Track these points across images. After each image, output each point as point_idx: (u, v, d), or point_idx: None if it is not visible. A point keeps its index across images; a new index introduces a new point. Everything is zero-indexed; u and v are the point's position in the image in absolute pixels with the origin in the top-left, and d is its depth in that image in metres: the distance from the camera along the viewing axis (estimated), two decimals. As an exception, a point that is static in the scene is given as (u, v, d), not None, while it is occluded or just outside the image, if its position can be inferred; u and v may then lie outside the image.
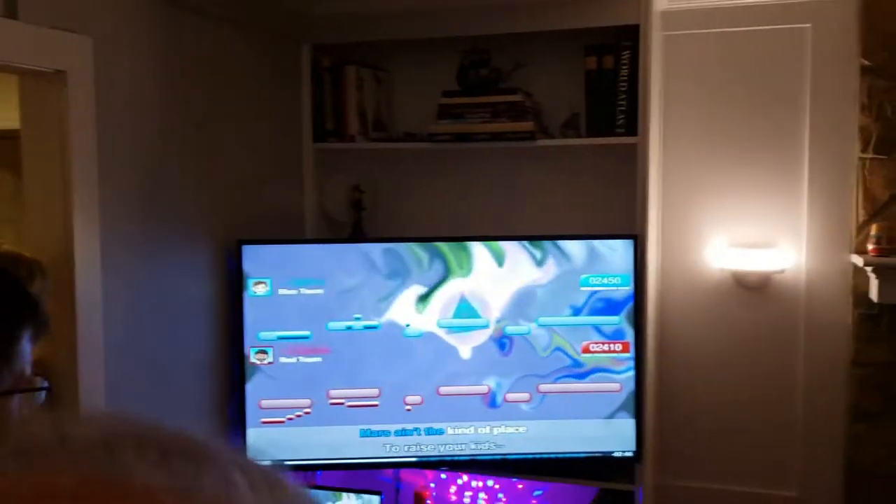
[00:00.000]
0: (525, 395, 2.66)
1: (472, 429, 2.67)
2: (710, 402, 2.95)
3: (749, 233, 2.89)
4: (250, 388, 2.63)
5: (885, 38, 2.73)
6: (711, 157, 2.92)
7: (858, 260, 2.72)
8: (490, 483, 2.96)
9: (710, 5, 2.91)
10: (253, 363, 2.62)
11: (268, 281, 2.62)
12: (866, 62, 2.75)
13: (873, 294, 2.67)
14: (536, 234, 2.70)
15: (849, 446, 2.82)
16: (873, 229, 2.65)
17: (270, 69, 2.91)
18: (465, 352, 2.67)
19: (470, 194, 3.03)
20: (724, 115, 2.91)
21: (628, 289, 2.64)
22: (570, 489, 2.87)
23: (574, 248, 2.64)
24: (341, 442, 2.66)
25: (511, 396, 2.67)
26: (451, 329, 2.66)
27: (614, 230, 2.73)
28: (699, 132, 2.93)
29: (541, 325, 2.65)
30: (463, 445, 2.68)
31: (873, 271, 2.60)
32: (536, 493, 2.92)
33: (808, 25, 2.82)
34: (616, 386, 2.66)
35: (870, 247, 2.65)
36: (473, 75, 2.91)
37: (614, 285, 2.64)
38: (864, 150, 2.76)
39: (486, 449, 2.68)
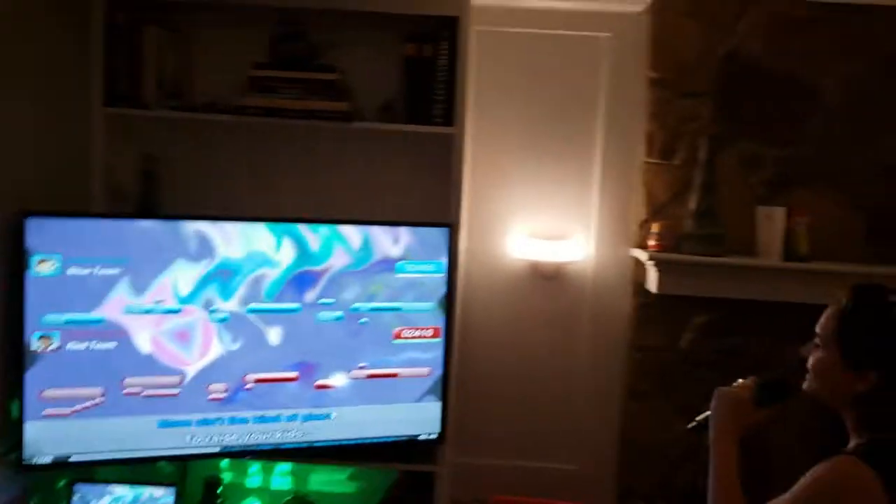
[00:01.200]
0: (336, 381, 2.63)
1: (280, 417, 2.60)
2: (505, 384, 3.12)
3: (546, 225, 3.07)
4: (30, 376, 2.35)
5: (670, 53, 3.00)
6: (517, 153, 3.07)
7: (640, 254, 2.99)
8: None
9: (519, 5, 3.04)
10: (35, 350, 2.34)
11: (55, 258, 2.35)
12: (653, 74, 3.02)
13: (652, 285, 2.95)
14: (351, 219, 2.66)
15: (624, 423, 3.11)
16: (655, 227, 2.93)
17: (56, 22, 2.60)
18: (275, 337, 2.58)
19: (279, 174, 2.93)
20: (529, 112, 3.06)
21: (442, 276, 2.69)
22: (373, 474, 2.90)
23: (389, 234, 2.65)
24: (137, 434, 2.47)
25: (321, 382, 2.62)
26: (260, 313, 2.56)
27: (428, 218, 2.77)
28: (507, 127, 3.07)
29: (353, 311, 2.63)
30: (270, 434, 2.59)
31: (655, 265, 2.88)
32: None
33: (607, 34, 3.04)
34: (425, 371, 2.71)
35: (651, 243, 2.92)
36: (286, 49, 2.80)
37: (429, 272, 2.68)
38: (648, 155, 3.03)
39: (294, 437, 2.61)
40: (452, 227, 2.72)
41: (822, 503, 1.41)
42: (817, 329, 1.58)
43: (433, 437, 2.75)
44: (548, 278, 3.10)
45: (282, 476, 2.95)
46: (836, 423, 1.61)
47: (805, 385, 1.59)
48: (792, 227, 2.88)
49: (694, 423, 1.77)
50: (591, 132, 3.07)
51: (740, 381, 1.69)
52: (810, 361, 1.58)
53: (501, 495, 3.05)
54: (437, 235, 2.69)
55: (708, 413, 1.70)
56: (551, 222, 3.07)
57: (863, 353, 1.47)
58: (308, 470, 2.93)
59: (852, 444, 1.50)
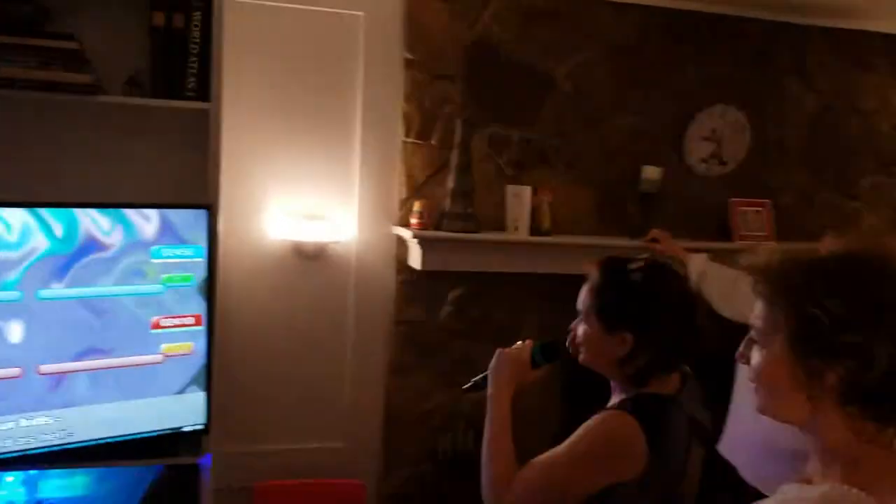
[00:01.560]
0: (87, 376, 2.42)
1: (20, 419, 2.34)
2: (270, 368, 3.06)
3: (307, 205, 3.04)
4: None
5: (423, 36, 3.10)
6: (275, 131, 3.00)
7: (402, 232, 3.07)
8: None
9: (274, -22, 2.96)
10: None
11: None
12: (409, 56, 3.09)
13: (415, 262, 3.05)
14: (101, 202, 2.45)
15: (388, 396, 3.20)
16: (416, 205, 3.02)
17: None
18: (15, 332, 2.31)
19: (13, 151, 2.60)
20: (287, 90, 3.00)
21: (201, 260, 2.57)
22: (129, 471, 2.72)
23: (143, 217, 2.47)
24: None
25: (71, 378, 2.40)
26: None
27: (184, 199, 2.62)
28: (264, 104, 2.98)
29: (106, 298, 2.43)
30: (9, 441, 2.33)
31: (418, 243, 2.97)
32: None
33: (360, 13, 3.06)
34: (187, 360, 2.58)
35: (413, 221, 3.01)
36: (15, 11, 2.50)
37: (187, 257, 2.55)
38: (406, 135, 3.11)
39: (40, 441, 2.37)
40: (211, 209, 2.60)
41: (595, 454, 1.55)
42: (578, 305, 1.73)
43: (198, 427, 2.63)
44: (310, 258, 3.08)
45: (16, 487, 2.67)
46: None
47: (581, 357, 1.73)
48: (536, 204, 3.11)
49: (470, 384, 1.87)
50: (350, 110, 3.08)
51: (519, 343, 1.82)
52: (578, 335, 1.72)
53: (267, 480, 3.01)
54: (195, 217, 2.56)
55: (484, 374, 1.81)
56: (312, 202, 3.05)
57: (617, 319, 1.62)
58: (59, 474, 2.68)
59: (617, 400, 1.66)
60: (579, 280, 3.37)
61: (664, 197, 3.35)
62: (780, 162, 3.59)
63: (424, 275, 3.14)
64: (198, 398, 2.62)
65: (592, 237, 3.27)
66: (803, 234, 3.57)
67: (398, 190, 3.14)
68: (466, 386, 1.91)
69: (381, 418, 3.22)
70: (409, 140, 3.12)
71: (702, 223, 3.45)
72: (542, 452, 1.66)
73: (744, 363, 1.17)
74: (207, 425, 2.65)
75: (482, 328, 3.27)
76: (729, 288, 2.93)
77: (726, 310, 2.96)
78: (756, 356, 1.13)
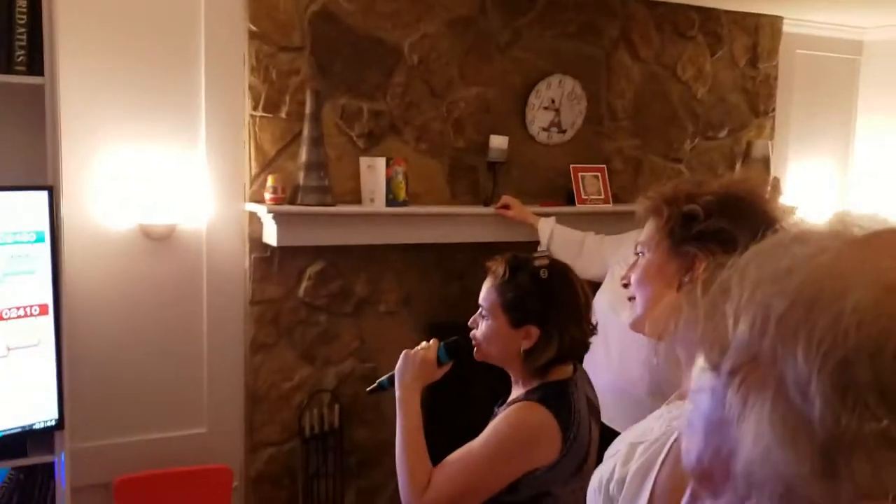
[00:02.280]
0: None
1: None
2: (124, 357, 2.92)
3: (153, 185, 2.90)
4: None
5: (266, 7, 3.02)
6: (115, 108, 2.83)
7: (255, 208, 3.00)
8: None
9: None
10: None
11: None
12: (253, 27, 3.01)
13: (270, 239, 2.99)
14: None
15: (248, 376, 3.14)
16: (270, 180, 2.96)
17: None
18: None
19: None
20: (126, 65, 2.85)
21: (44, 245, 2.40)
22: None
23: (-26, 201, 2.27)
24: None
25: None
26: None
27: (19, 180, 2.44)
28: (102, 79, 2.81)
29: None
30: None
31: (273, 218, 2.92)
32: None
33: (200, -16, 2.94)
34: (34, 352, 2.41)
35: (267, 196, 2.95)
36: None
37: (28, 242, 2.37)
38: (254, 109, 3.04)
39: None
40: (53, 191, 2.43)
41: (511, 445, 1.63)
42: (481, 301, 1.79)
43: (50, 424, 2.47)
44: (159, 241, 2.95)
45: None
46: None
47: (479, 353, 1.80)
48: (391, 175, 3.14)
49: (374, 385, 1.92)
50: (194, 85, 2.96)
51: (423, 343, 1.87)
52: (479, 331, 1.78)
53: (126, 474, 2.88)
54: (35, 200, 2.39)
55: (389, 374, 1.86)
56: (158, 182, 2.91)
57: (524, 313, 1.70)
58: None
59: (522, 392, 1.73)
60: (438, 248, 3.46)
61: (512, 165, 3.49)
62: (612, 129, 3.81)
63: (280, 251, 3.10)
64: (48, 393, 2.46)
65: (447, 206, 3.35)
66: (634, 195, 3.83)
67: (248, 165, 3.06)
68: (371, 387, 1.94)
69: (242, 400, 3.15)
70: (258, 114, 3.04)
71: (547, 189, 3.62)
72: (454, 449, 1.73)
73: (626, 284, 1.33)
74: (61, 421, 2.49)
75: (342, 302, 3.27)
76: (576, 248, 3.11)
77: (574, 269, 3.14)
78: (639, 266, 1.30)
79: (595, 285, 2.67)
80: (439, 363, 1.84)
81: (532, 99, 3.54)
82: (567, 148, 3.68)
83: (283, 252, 3.10)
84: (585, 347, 1.77)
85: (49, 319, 2.45)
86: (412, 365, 1.82)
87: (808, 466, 0.38)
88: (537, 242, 3.25)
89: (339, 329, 3.28)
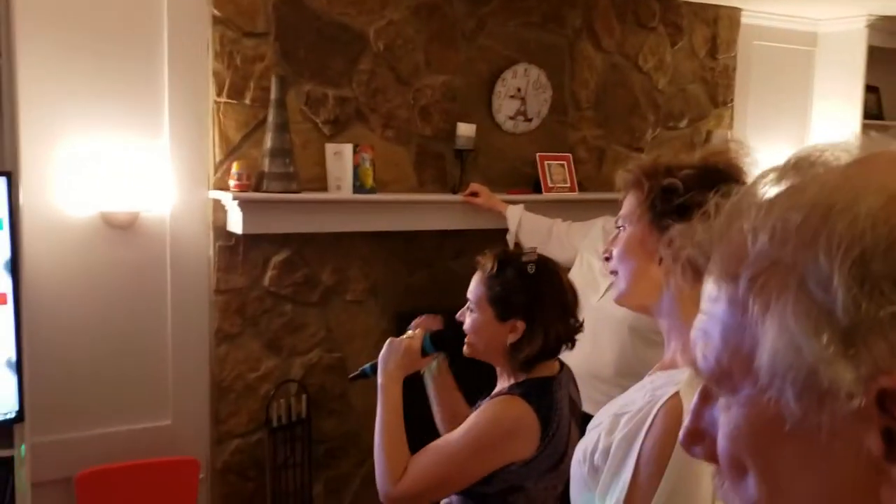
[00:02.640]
0: None
1: None
2: (84, 348, 2.85)
3: (116, 172, 2.83)
4: None
5: (230, -8, 2.97)
6: (77, 93, 2.76)
7: (219, 195, 2.95)
8: None
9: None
10: None
11: None
12: (217, 12, 2.96)
13: (235, 227, 2.95)
14: None
15: (214, 367, 3.08)
16: (235, 167, 2.91)
17: None
18: None
19: None
20: (88, 49, 2.78)
21: (2, 233, 2.33)
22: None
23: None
24: None
25: None
26: None
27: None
28: (62, 63, 2.73)
29: None
30: None
31: (238, 205, 2.87)
32: None
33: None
34: (-6, 343, 2.34)
35: (232, 183, 2.90)
36: None
37: (-15, 229, 2.30)
38: (218, 95, 2.98)
39: None
40: (11, 176, 2.36)
41: (490, 438, 1.63)
42: (469, 295, 1.79)
43: (10, 416, 2.40)
44: (122, 229, 2.88)
45: None
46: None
47: (467, 348, 1.80)
48: (358, 162, 3.11)
49: (357, 372, 1.92)
50: (157, 71, 2.89)
51: (409, 332, 1.87)
52: (467, 324, 1.79)
53: (89, 468, 2.81)
54: (-7, 186, 2.31)
55: (373, 363, 1.85)
56: (120, 168, 2.84)
57: (510, 307, 1.71)
58: None
59: (505, 386, 1.74)
60: (405, 236, 3.45)
61: (479, 153, 3.48)
62: (576, 118, 3.83)
63: (245, 240, 3.05)
64: (8, 384, 2.39)
65: (415, 194, 3.34)
66: (598, 184, 3.87)
67: (213, 152, 3.00)
68: (353, 374, 1.94)
69: (208, 391, 3.10)
70: (222, 100, 2.99)
71: (514, 177, 3.62)
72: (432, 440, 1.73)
73: (607, 258, 1.34)
74: (21, 413, 2.42)
75: (308, 291, 3.23)
76: (544, 235, 3.12)
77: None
78: (620, 239, 1.31)
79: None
80: (424, 353, 1.85)
81: (498, 87, 3.54)
82: (533, 136, 3.69)
83: (248, 240, 3.05)
84: (572, 343, 1.78)
85: (8, 308, 2.38)
86: (396, 353, 1.81)
87: (832, 349, 0.43)
88: (505, 230, 3.26)
89: (306, 319, 3.24)
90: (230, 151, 3.01)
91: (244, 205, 2.88)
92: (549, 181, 3.62)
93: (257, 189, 2.94)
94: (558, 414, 1.68)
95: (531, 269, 1.72)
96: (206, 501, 3.11)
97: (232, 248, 3.06)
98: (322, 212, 3.07)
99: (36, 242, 2.69)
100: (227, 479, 3.13)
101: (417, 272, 3.48)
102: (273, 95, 2.95)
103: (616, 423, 1.21)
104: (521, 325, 1.70)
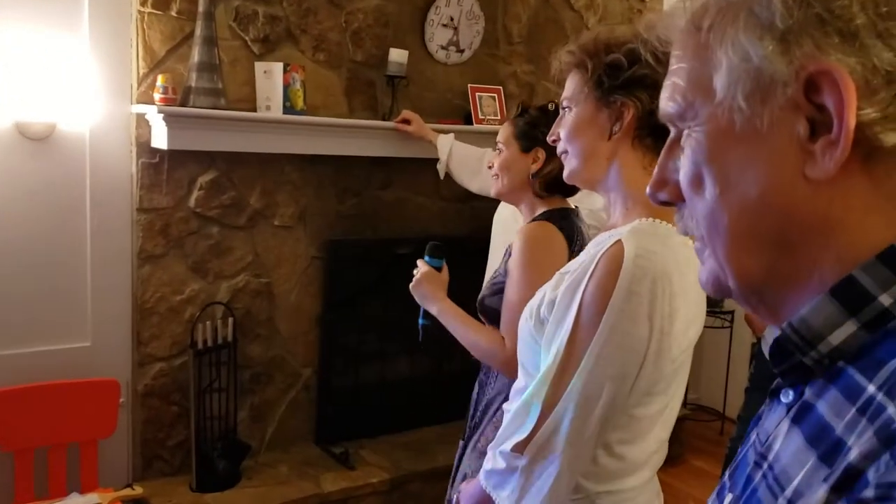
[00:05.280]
0: None
1: None
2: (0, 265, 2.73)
3: (32, 79, 2.70)
4: None
5: None
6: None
7: (143, 109, 2.85)
8: None
9: None
10: None
11: None
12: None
13: (159, 142, 2.85)
14: None
15: (136, 288, 3.00)
16: (160, 80, 2.81)
17: None
18: None
19: None
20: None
21: None
22: None
23: None
24: None
25: None
26: None
27: None
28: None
29: None
30: None
31: (164, 119, 2.77)
32: None
33: None
34: None
35: (157, 97, 2.80)
36: None
37: None
38: (142, 5, 2.86)
39: None
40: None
41: (535, 255, 1.81)
42: (498, 139, 2.06)
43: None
44: (38, 140, 2.75)
45: None
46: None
47: (493, 190, 2.09)
48: (288, 82, 3.04)
49: (421, 334, 2.05)
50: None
51: (415, 271, 2.04)
52: (496, 165, 2.03)
53: (2, 387, 2.71)
54: None
55: (420, 315, 2.03)
56: (36, 76, 2.71)
57: (533, 138, 1.97)
58: None
59: (532, 216, 1.95)
60: (335, 162, 3.41)
61: (410, 82, 3.45)
62: (507, 53, 3.84)
63: (170, 157, 2.96)
64: (-85, 294, 2.28)
65: (345, 119, 3.29)
66: (529, 120, 3.89)
67: (136, 65, 2.89)
68: (420, 336, 2.05)
69: (129, 313, 3.02)
70: (146, 10, 2.86)
71: (445, 108, 3.61)
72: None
73: (554, 140, 1.38)
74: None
75: (235, 214, 3.17)
76: (475, 164, 3.13)
77: (474, 184, 3.16)
78: (567, 121, 1.34)
79: (494, 203, 2.70)
80: (437, 269, 2.03)
81: (431, 15, 3.51)
82: (464, 69, 3.68)
83: (173, 158, 2.97)
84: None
85: (-85, 213, 2.26)
86: (422, 287, 2.00)
87: (772, 48, 0.55)
88: (436, 159, 3.25)
89: (233, 242, 3.18)
90: (155, 65, 2.90)
91: (170, 119, 2.78)
92: (479, 113, 3.63)
93: (183, 104, 2.85)
94: (580, 238, 1.88)
95: (551, 107, 1.97)
96: (127, 425, 3.05)
97: (156, 166, 2.97)
98: (251, 131, 2.99)
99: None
100: (149, 403, 3.07)
101: (346, 200, 3.45)
102: (201, 7, 2.85)
103: (561, 280, 1.24)
104: (542, 154, 1.94)
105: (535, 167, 1.96)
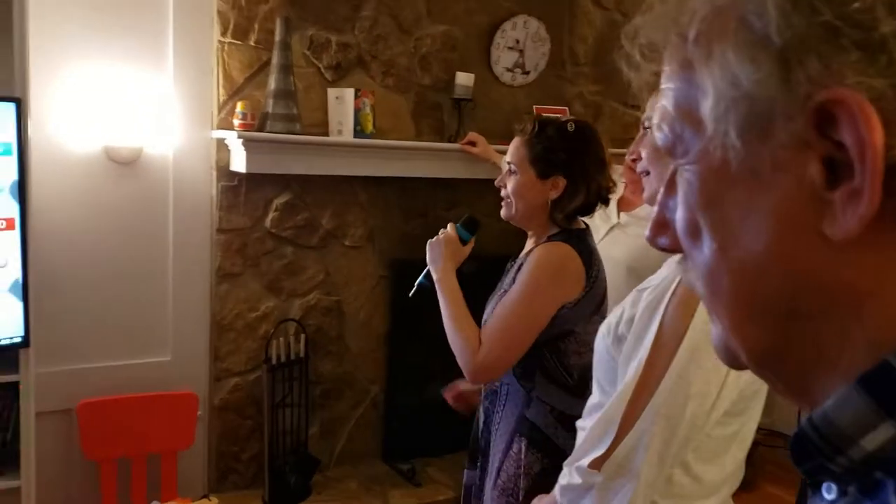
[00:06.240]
0: None
1: None
2: (86, 282, 2.88)
3: (121, 107, 2.85)
4: None
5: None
6: (84, 25, 2.77)
7: (224, 135, 2.97)
8: None
9: None
10: None
11: None
12: (220, -49, 2.96)
13: (238, 166, 2.97)
14: None
15: (214, 305, 3.12)
16: (240, 106, 2.93)
17: None
18: None
19: None
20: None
21: (11, 158, 2.34)
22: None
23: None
24: None
25: None
26: None
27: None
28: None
29: None
30: None
31: (242, 144, 2.89)
32: None
33: None
34: (2, 267, 2.36)
35: (237, 122, 2.93)
36: None
37: (-6, 154, 2.31)
38: (223, 35, 2.99)
39: None
40: (20, 103, 2.37)
41: (545, 279, 1.74)
42: (509, 159, 1.89)
43: (17, 340, 2.43)
44: (125, 164, 2.90)
45: None
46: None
47: (503, 212, 1.92)
48: (359, 107, 3.14)
49: (414, 289, 1.98)
50: (162, 9, 2.90)
51: (442, 230, 1.96)
52: (508, 188, 1.88)
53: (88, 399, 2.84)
54: (2, 112, 2.33)
55: (423, 274, 1.94)
56: (124, 104, 2.85)
57: (551, 164, 1.81)
58: None
59: (542, 239, 1.85)
60: (401, 184, 3.48)
61: (476, 104, 3.52)
62: (573, 73, 3.88)
63: (247, 181, 3.08)
64: (14, 309, 2.42)
65: (413, 141, 3.37)
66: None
67: (216, 92, 3.02)
68: (412, 292, 1.99)
69: (208, 328, 3.14)
70: (226, 40, 3.00)
71: (510, 130, 3.63)
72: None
73: (634, 159, 1.42)
74: (26, 338, 2.45)
75: (308, 235, 3.27)
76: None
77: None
78: (649, 141, 1.33)
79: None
80: (463, 242, 1.93)
81: (497, 38, 3.58)
82: (529, 90, 3.73)
83: (251, 181, 3.08)
84: (607, 201, 1.88)
85: (15, 234, 2.40)
86: (439, 248, 1.90)
87: (767, 71, 0.43)
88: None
89: (305, 261, 3.29)
90: (234, 92, 3.03)
91: (248, 144, 2.90)
92: (545, 134, 3.66)
93: (261, 129, 2.97)
94: (596, 258, 1.80)
95: (571, 127, 1.81)
96: (204, 438, 3.16)
97: (234, 189, 3.09)
98: (323, 155, 3.10)
99: (41, 171, 2.70)
100: (224, 416, 3.18)
101: (412, 220, 3.52)
102: (278, 37, 2.97)
103: (639, 297, 1.27)
104: (561, 182, 1.80)
105: (553, 194, 1.81)
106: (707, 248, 0.49)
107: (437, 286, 1.88)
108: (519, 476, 1.81)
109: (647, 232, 0.56)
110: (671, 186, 0.53)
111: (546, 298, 1.73)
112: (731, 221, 0.47)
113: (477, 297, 2.02)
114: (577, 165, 1.81)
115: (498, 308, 1.78)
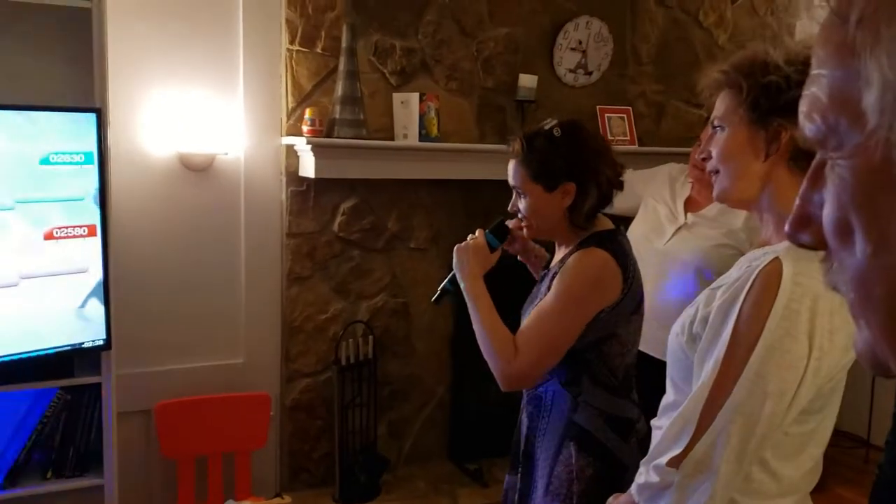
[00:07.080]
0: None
1: None
2: (162, 286, 2.97)
3: (194, 116, 2.94)
4: None
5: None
6: (157, 37, 2.87)
7: (293, 141, 3.04)
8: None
9: None
10: None
11: None
12: (288, -38, 3.03)
13: (307, 171, 3.03)
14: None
15: (285, 308, 3.19)
16: (308, 112, 3.00)
17: None
18: None
19: None
20: (168, -5, 2.87)
21: (93, 167, 2.44)
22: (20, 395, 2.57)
23: (25, 120, 2.31)
24: None
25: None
26: None
27: (65, 102, 2.47)
28: (145, 9, 2.83)
29: (-8, 211, 2.26)
30: None
31: (311, 150, 2.95)
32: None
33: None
34: (84, 272, 2.46)
35: (305, 129, 2.99)
36: None
37: (77, 163, 2.41)
38: (291, 43, 3.07)
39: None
40: (100, 113, 2.47)
41: (581, 287, 1.70)
42: (512, 182, 1.82)
43: (99, 343, 2.53)
44: (198, 171, 2.99)
45: None
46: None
47: (527, 234, 1.86)
48: (424, 111, 3.18)
49: (437, 294, 1.94)
50: (231, 19, 2.99)
51: (470, 235, 1.90)
52: (522, 210, 1.82)
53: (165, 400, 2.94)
54: (83, 122, 2.43)
55: (448, 279, 1.90)
56: (197, 112, 2.94)
57: (554, 175, 1.74)
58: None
59: (573, 246, 1.78)
60: (464, 187, 3.50)
61: (539, 105, 3.52)
62: (636, 73, 3.85)
63: (315, 186, 3.14)
64: (97, 313, 2.51)
65: (478, 144, 3.39)
66: (657, 139, 3.88)
67: (285, 99, 3.09)
68: (435, 296, 1.96)
69: (279, 331, 3.21)
70: (294, 48, 3.07)
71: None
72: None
73: (704, 159, 1.38)
74: (108, 341, 2.55)
75: (374, 238, 3.32)
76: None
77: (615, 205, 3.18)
78: (718, 140, 1.31)
79: (628, 220, 2.72)
80: (491, 248, 1.88)
81: (560, 39, 3.57)
82: (592, 90, 3.72)
83: (319, 186, 3.15)
84: (621, 185, 1.81)
85: (97, 240, 2.50)
86: (466, 254, 1.86)
87: None
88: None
89: (372, 264, 3.34)
90: (302, 99, 3.10)
91: (317, 150, 2.96)
92: (608, 134, 3.65)
93: (328, 135, 3.02)
94: (630, 258, 1.74)
95: (557, 132, 1.75)
96: (276, 438, 3.24)
97: (303, 194, 3.16)
98: (389, 159, 3.14)
99: (120, 179, 2.80)
100: (296, 417, 3.25)
101: (476, 222, 3.52)
102: (344, 44, 3.03)
103: (713, 296, 1.27)
104: (571, 187, 1.73)
105: (567, 201, 1.75)
106: (860, 251, 0.45)
107: (464, 293, 1.84)
108: (572, 481, 1.79)
109: (787, 226, 0.52)
110: (816, 178, 0.49)
111: (584, 306, 1.68)
112: (889, 224, 0.43)
113: (505, 298, 1.96)
114: (578, 166, 1.75)
115: (534, 314, 1.74)
